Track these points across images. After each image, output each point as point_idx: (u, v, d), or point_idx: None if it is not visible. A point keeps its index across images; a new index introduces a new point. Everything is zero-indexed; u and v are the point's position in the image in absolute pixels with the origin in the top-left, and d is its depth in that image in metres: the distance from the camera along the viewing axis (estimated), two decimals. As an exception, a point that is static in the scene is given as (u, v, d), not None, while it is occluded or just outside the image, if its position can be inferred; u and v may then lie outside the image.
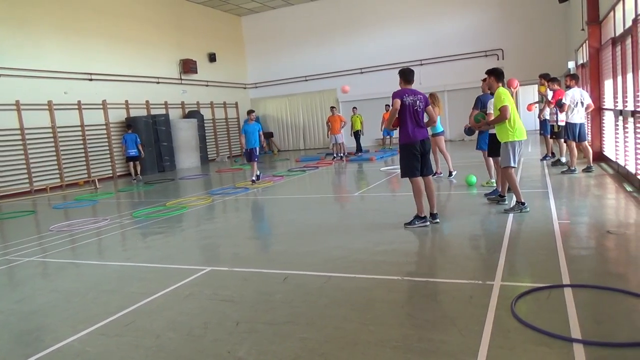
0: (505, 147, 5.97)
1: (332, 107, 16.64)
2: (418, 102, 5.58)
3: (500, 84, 6.02)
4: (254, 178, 10.96)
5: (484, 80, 6.76)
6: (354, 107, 18.06)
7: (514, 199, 6.09)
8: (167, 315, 3.66)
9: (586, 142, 8.92)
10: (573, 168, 8.60)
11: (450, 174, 9.28)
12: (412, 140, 5.58)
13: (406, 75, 5.74)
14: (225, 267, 4.80)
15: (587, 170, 8.59)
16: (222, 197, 9.62)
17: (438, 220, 5.75)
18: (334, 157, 15.73)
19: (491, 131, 6.83)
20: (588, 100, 8.71)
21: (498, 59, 18.86)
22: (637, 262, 4.08)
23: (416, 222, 5.64)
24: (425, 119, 5.83)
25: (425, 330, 2.97)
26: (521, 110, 19.90)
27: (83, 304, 4.10)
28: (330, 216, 7.10)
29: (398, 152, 6.07)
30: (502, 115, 5.82)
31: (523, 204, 5.92)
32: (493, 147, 6.74)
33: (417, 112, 5.59)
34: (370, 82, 21.13)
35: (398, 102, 5.52)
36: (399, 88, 5.73)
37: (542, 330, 2.79)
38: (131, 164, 14.98)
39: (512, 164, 5.94)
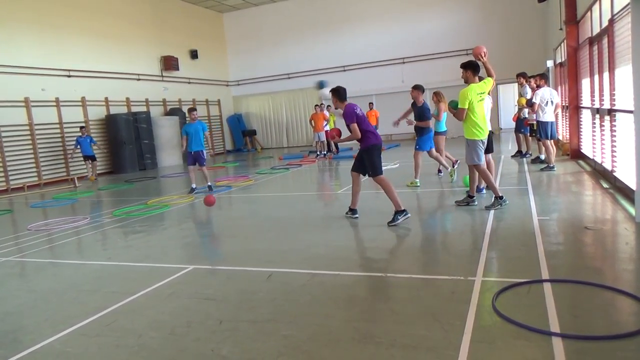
0: (471, 144, 6.10)
1: (316, 105, 16.61)
2: (360, 109, 6.03)
3: (477, 78, 6.06)
4: (209, 184, 9.82)
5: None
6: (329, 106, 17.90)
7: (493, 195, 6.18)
8: (149, 314, 3.62)
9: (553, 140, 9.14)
10: (552, 165, 8.76)
11: (439, 171, 9.35)
12: (378, 142, 5.98)
13: (341, 94, 6.01)
14: (208, 265, 4.77)
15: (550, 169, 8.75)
16: (204, 195, 9.53)
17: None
18: (317, 155, 15.73)
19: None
20: (557, 99, 8.95)
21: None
22: (613, 257, 4.18)
23: (399, 218, 5.68)
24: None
25: (408, 326, 3.00)
26: (502, 106, 20.21)
27: (62, 304, 4.03)
28: (313, 214, 7.11)
29: (355, 156, 6.35)
30: (457, 115, 6.09)
31: (501, 197, 6.03)
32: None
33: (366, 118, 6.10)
34: (352, 80, 21.15)
35: (355, 126, 5.85)
36: (338, 104, 6.03)
37: (521, 324, 2.84)
38: (88, 162, 14.50)
39: (477, 161, 6.09)
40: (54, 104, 14.82)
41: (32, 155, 14.04)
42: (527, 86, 10.21)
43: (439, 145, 8.79)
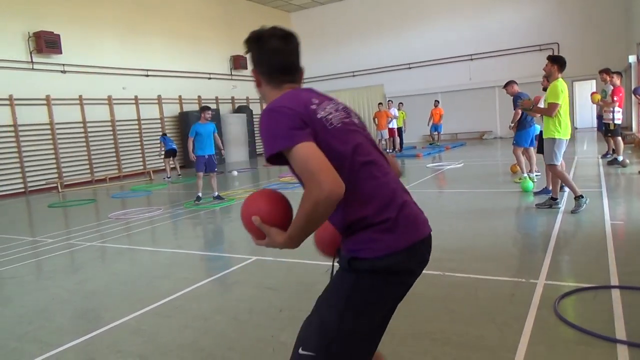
0: (548, 143, 5.80)
1: (379, 103, 16.60)
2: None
3: (560, 75, 5.71)
4: (216, 193, 8.76)
5: (545, 77, 6.56)
6: (400, 103, 17.85)
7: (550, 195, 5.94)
8: (215, 300, 3.86)
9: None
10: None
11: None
12: None
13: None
14: (270, 257, 4.97)
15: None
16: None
17: None
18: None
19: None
20: None
21: (553, 53, 18.13)
22: (695, 266, 3.91)
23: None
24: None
25: (464, 325, 3.00)
26: (577, 104, 19.12)
27: (138, 287, 4.37)
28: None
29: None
30: (548, 111, 5.66)
31: (555, 199, 5.93)
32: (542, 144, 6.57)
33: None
34: (417, 77, 20.89)
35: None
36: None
37: (584, 329, 2.76)
38: (170, 160, 14.40)
39: (556, 162, 5.76)
40: (133, 101, 15.85)
41: (113, 149, 15.12)
42: (609, 83, 9.63)
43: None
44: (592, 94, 9.98)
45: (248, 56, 1.68)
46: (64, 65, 13.76)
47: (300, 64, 1.73)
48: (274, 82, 1.67)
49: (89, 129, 14.42)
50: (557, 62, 5.69)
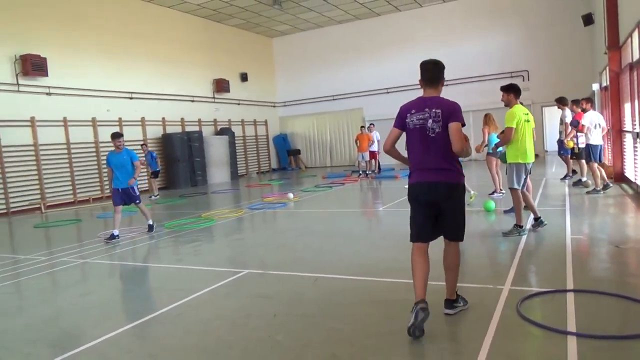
0: (510, 168, 5.97)
1: (361, 127, 17.21)
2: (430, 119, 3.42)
3: (518, 102, 6.02)
4: (150, 222, 8.14)
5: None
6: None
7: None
8: (212, 308, 4.18)
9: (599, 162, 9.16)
10: (598, 188, 8.75)
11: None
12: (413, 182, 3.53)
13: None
14: (261, 270, 5.31)
15: (605, 188, 8.82)
16: (258, 211, 10.17)
17: (450, 311, 3.56)
18: (359, 174, 16.22)
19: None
20: (603, 123, 9.03)
21: (523, 80, 19.12)
22: (636, 273, 4.42)
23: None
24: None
25: (439, 323, 3.40)
26: (548, 131, 20.04)
27: (136, 298, 4.67)
28: (355, 228, 7.56)
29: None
30: (506, 136, 5.90)
31: (521, 227, 5.92)
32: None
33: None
34: (395, 101, 21.57)
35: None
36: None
37: (540, 324, 3.20)
38: (153, 180, 14.72)
39: (516, 186, 5.92)
40: (117, 123, 16.07)
41: (96, 170, 15.25)
42: (567, 109, 10.36)
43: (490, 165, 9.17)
44: (567, 141, 10.34)
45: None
46: (49, 87, 13.97)
47: None
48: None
49: (73, 151, 14.56)
50: (511, 91, 5.98)
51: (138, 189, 8.21)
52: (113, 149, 8.14)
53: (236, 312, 4.02)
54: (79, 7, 15.10)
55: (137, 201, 8.09)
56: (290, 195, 11.44)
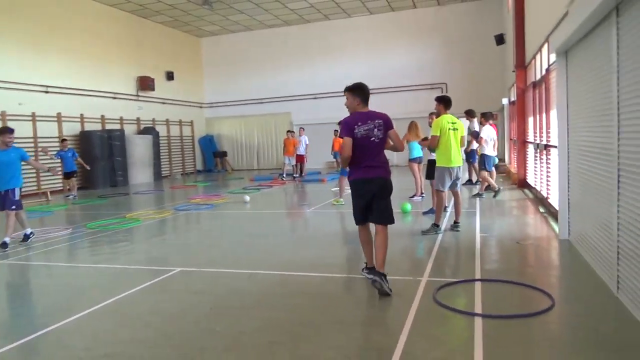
0: (440, 171, 6.63)
1: (288, 131, 17.50)
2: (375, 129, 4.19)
3: (447, 112, 6.60)
4: (6, 239, 6.75)
5: (431, 114, 7.88)
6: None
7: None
8: (147, 304, 4.24)
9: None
10: (482, 192, 9.94)
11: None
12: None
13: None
14: (194, 267, 5.39)
15: (496, 194, 9.78)
16: (185, 212, 10.08)
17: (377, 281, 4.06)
18: (283, 177, 16.55)
19: (430, 157, 7.87)
20: (494, 137, 10.11)
21: (442, 92, 20.45)
22: (534, 264, 5.08)
23: (364, 272, 4.48)
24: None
25: (367, 310, 3.75)
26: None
27: (67, 296, 4.58)
28: (284, 228, 7.81)
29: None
30: (431, 142, 6.63)
31: (438, 226, 6.48)
32: (431, 171, 7.71)
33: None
34: (322, 107, 22.18)
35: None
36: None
37: (452, 307, 3.66)
38: (72, 179, 13.63)
39: (442, 188, 6.56)
40: (30, 118, 15.10)
41: (5, 168, 14.18)
42: (475, 121, 11.32)
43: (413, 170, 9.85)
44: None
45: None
46: (-47, 76, 12.87)
47: None
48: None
49: (-21, 146, 13.47)
50: (441, 102, 6.68)
51: (20, 192, 7.08)
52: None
53: (172, 306, 4.11)
54: (-10, -8, 14.06)
55: (13, 207, 6.88)
56: (247, 197, 11.27)
